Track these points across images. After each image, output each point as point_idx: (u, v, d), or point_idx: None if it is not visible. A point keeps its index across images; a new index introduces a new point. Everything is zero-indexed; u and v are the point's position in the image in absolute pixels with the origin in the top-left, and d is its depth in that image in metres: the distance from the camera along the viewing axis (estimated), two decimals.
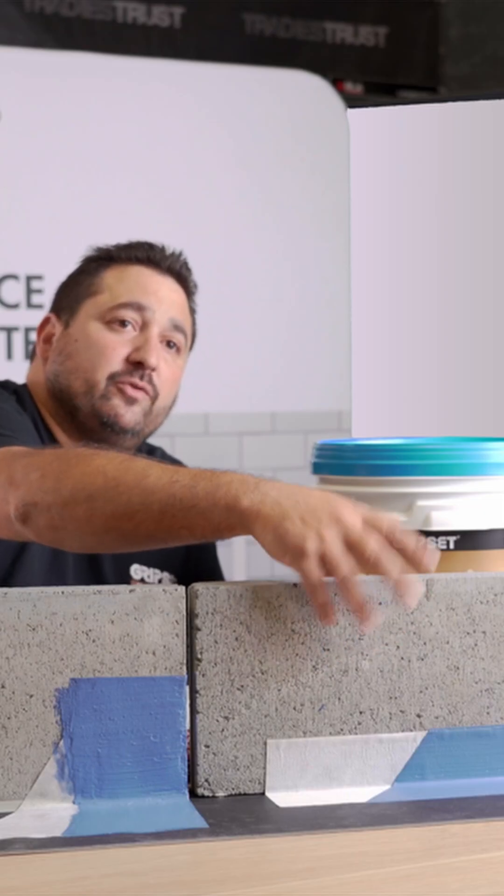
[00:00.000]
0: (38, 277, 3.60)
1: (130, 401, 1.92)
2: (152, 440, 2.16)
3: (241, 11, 4.70)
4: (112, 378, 1.92)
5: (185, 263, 2.03)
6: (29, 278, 3.62)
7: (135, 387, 1.92)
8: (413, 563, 1.27)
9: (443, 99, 4.52)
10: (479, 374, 4.04)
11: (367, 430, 3.93)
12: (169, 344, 1.97)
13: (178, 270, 2.01)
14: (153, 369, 1.92)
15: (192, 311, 2.05)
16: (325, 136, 3.99)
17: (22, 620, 1.26)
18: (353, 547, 1.26)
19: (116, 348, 1.93)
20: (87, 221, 3.57)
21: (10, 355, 3.63)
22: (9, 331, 3.64)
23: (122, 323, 1.93)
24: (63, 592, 1.25)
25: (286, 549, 1.26)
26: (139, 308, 1.94)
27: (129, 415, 1.93)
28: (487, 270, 4.02)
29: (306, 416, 3.96)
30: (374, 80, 4.90)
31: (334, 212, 3.99)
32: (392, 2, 4.90)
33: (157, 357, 1.93)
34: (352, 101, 4.19)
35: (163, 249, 2.01)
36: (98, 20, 4.52)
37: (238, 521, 1.30)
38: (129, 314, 1.94)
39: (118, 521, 1.39)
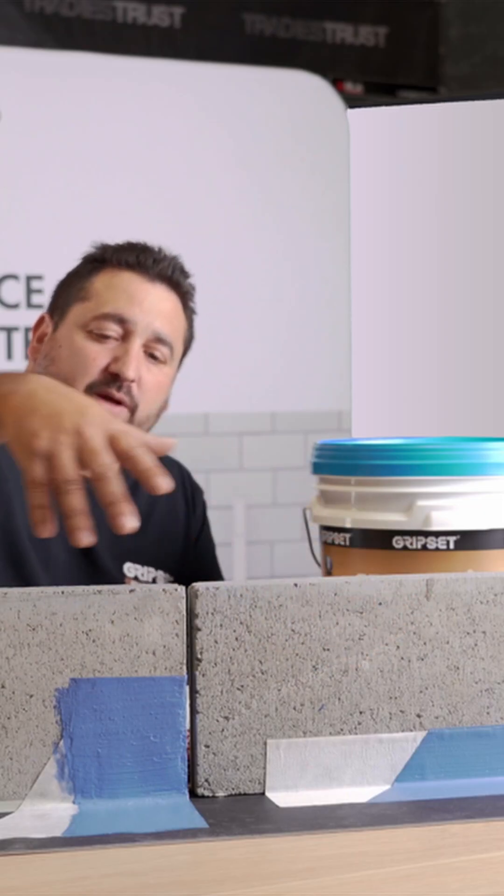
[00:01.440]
0: (38, 277, 3.60)
1: None
2: None
3: (241, 11, 4.70)
4: (90, 389, 1.91)
5: (180, 268, 2.00)
6: (29, 278, 3.62)
7: (111, 399, 1.91)
8: (142, 480, 1.24)
9: (443, 99, 4.52)
10: (479, 374, 4.04)
11: (367, 430, 3.93)
12: (152, 356, 1.95)
13: (169, 276, 1.98)
14: (131, 381, 1.91)
15: (190, 316, 2.03)
16: (325, 136, 3.99)
17: (22, 620, 1.26)
18: (82, 459, 1.24)
19: (96, 359, 1.91)
20: (87, 221, 3.58)
21: (10, 355, 3.64)
22: (9, 331, 3.65)
23: (104, 335, 1.92)
24: (63, 592, 1.25)
25: (20, 442, 1.25)
26: (121, 320, 1.92)
27: None
28: (487, 270, 4.02)
29: (306, 416, 3.96)
30: (374, 80, 4.91)
31: (334, 212, 3.99)
32: (392, 2, 4.91)
33: (137, 369, 1.91)
34: (352, 101, 4.19)
35: (157, 253, 1.99)
36: (98, 20, 4.53)
37: None
38: (110, 326, 1.92)
39: None
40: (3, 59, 3.71)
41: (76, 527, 1.23)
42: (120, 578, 1.96)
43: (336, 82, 4.59)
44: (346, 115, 4.02)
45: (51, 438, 1.24)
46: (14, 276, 3.64)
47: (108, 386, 1.91)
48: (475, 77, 4.92)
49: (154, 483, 1.23)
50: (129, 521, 1.24)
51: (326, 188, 3.99)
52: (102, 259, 1.99)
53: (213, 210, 3.87)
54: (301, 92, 4.00)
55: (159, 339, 1.95)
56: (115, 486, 1.23)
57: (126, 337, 1.93)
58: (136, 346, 1.92)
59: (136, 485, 2.04)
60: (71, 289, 1.99)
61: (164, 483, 1.24)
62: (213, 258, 3.79)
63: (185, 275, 2.02)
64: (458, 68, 4.95)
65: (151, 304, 1.95)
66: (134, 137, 3.78)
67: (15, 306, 3.64)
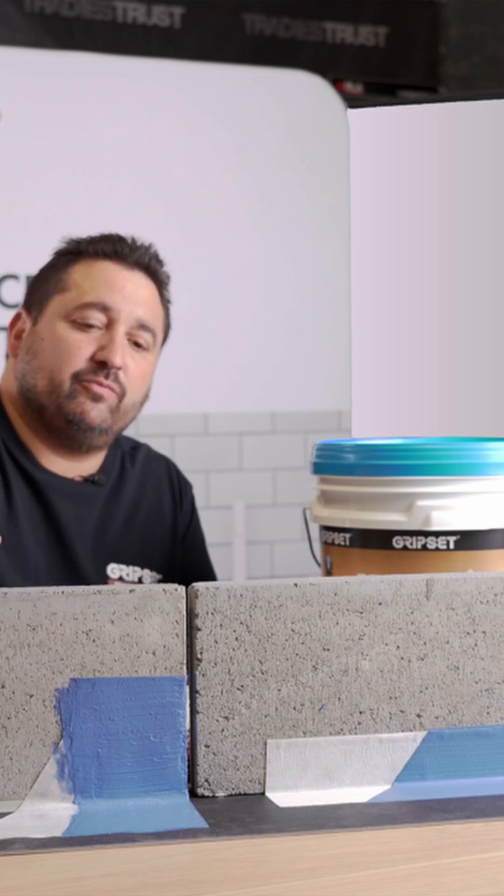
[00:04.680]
0: None
1: (97, 398, 1.92)
2: (149, 439, 2.16)
3: (241, 11, 4.70)
4: (77, 377, 1.91)
5: (155, 255, 2.01)
6: (29, 278, 3.62)
7: (100, 385, 1.92)
8: None
9: (443, 99, 4.52)
10: (479, 374, 4.04)
11: (367, 430, 3.93)
12: (136, 343, 1.96)
13: (146, 264, 1.99)
14: (118, 368, 1.92)
15: (165, 304, 2.03)
16: (325, 136, 3.99)
17: (22, 620, 1.26)
18: None
19: (82, 347, 1.92)
20: (86, 221, 3.57)
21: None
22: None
23: (88, 324, 1.93)
24: (63, 592, 1.25)
25: None
26: (104, 308, 1.93)
27: (95, 412, 1.92)
28: (487, 270, 4.02)
29: (306, 416, 3.96)
30: (374, 80, 4.91)
31: (334, 212, 3.99)
32: (392, 2, 4.90)
33: (123, 356, 1.92)
34: (352, 101, 4.19)
35: (132, 242, 1.99)
36: (98, 20, 4.53)
37: None
38: (94, 314, 1.93)
39: None
40: (3, 59, 3.71)
41: None
42: (103, 581, 1.95)
43: (336, 82, 4.59)
44: (346, 115, 4.02)
45: None
46: (14, 276, 3.64)
47: (96, 374, 1.92)
48: (475, 77, 4.92)
49: None
50: None
51: (326, 188, 3.99)
52: (77, 251, 1.99)
53: (213, 210, 3.87)
54: (301, 92, 4.00)
55: (142, 326, 1.96)
56: None
57: (110, 325, 1.93)
58: (121, 333, 1.93)
59: (119, 483, 2.04)
60: (48, 283, 1.99)
61: None
62: (212, 258, 3.79)
63: (161, 263, 2.02)
64: (458, 68, 4.95)
65: (131, 291, 1.96)
66: (134, 137, 3.78)
67: (15, 306, 3.64)
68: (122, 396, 1.93)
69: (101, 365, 1.91)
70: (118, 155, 3.76)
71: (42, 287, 2.00)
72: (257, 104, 3.94)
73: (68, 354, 1.92)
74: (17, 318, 2.03)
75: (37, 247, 3.66)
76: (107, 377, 1.91)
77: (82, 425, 1.92)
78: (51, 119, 3.69)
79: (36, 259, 3.79)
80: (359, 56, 4.88)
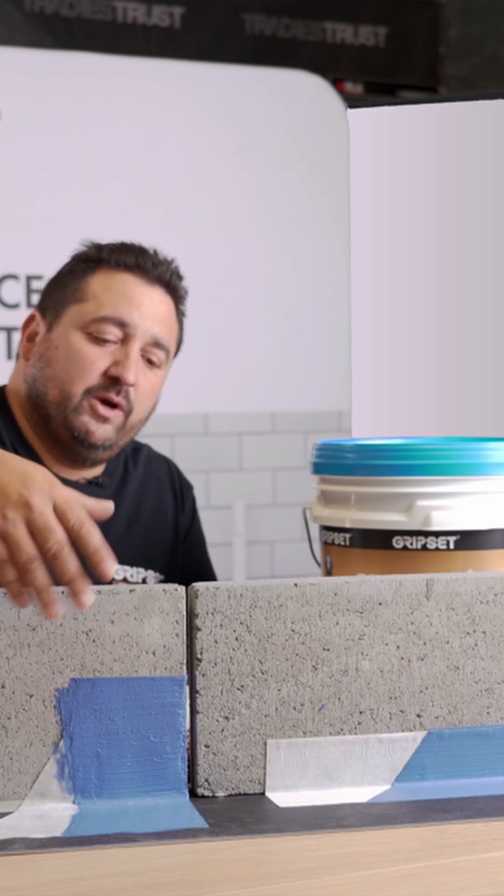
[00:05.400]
0: (38, 277, 3.60)
1: (102, 419, 1.91)
2: (149, 439, 2.16)
3: (241, 11, 4.70)
4: (88, 392, 1.90)
5: (176, 271, 1.99)
6: (29, 278, 3.62)
7: (110, 403, 1.91)
8: (91, 563, 1.23)
9: (443, 99, 4.52)
10: (479, 374, 4.04)
11: (367, 430, 3.93)
12: (149, 360, 1.95)
13: (167, 280, 1.97)
14: (131, 386, 1.91)
15: (181, 319, 2.02)
16: (325, 136, 3.99)
17: (22, 620, 1.26)
18: (34, 535, 1.22)
19: (96, 362, 1.90)
20: (86, 221, 3.57)
21: (10, 355, 3.64)
22: (9, 331, 3.64)
23: (104, 338, 1.92)
24: (63, 592, 1.25)
25: None
26: (121, 323, 1.91)
27: (101, 431, 1.91)
28: (487, 270, 4.02)
29: (306, 416, 3.96)
30: (374, 80, 4.91)
31: (334, 212, 3.99)
32: (392, 2, 4.91)
33: (136, 373, 1.91)
34: (352, 101, 4.19)
35: (153, 255, 1.97)
36: (98, 20, 4.53)
37: None
38: (111, 329, 1.91)
39: None
40: (3, 59, 3.71)
41: (46, 602, 1.22)
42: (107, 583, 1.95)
43: (336, 82, 4.59)
44: (346, 115, 4.02)
45: (0, 517, 1.22)
46: (14, 276, 3.64)
47: (107, 390, 1.91)
48: (475, 77, 4.92)
49: (102, 568, 1.22)
50: (89, 597, 1.23)
51: (326, 188, 3.99)
52: (98, 259, 1.97)
53: (213, 210, 3.87)
54: (301, 92, 4.00)
55: (157, 344, 1.95)
56: (71, 563, 1.22)
57: (125, 340, 1.92)
58: (136, 350, 1.92)
59: (122, 484, 2.04)
60: (66, 289, 1.97)
61: (110, 567, 1.23)
62: (212, 258, 3.80)
63: (180, 278, 2.00)
64: (458, 68, 4.95)
65: (150, 308, 1.94)
66: (134, 137, 3.78)
67: (15, 306, 3.64)
68: (129, 414, 1.93)
69: (113, 381, 1.90)
70: (118, 155, 3.76)
71: (59, 292, 1.98)
72: (257, 104, 3.94)
73: (82, 368, 1.91)
74: (30, 319, 2.01)
75: (37, 247, 3.68)
76: (118, 393, 1.90)
77: (86, 443, 1.91)
78: (51, 119, 3.69)
79: (36, 259, 3.78)
80: (359, 56, 4.89)
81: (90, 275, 1.96)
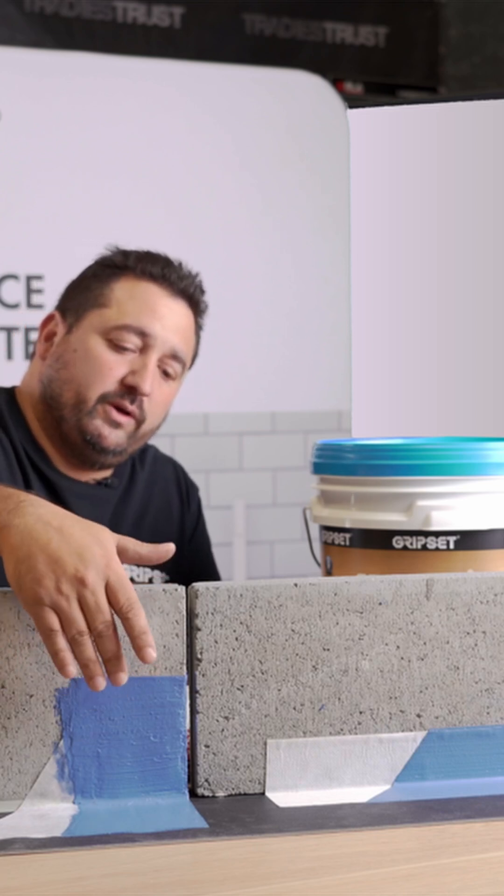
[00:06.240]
0: (38, 277, 3.60)
1: (115, 424, 1.91)
2: (150, 439, 2.16)
3: (241, 11, 4.70)
4: (103, 398, 1.90)
5: (200, 285, 1.99)
6: (29, 278, 3.62)
7: (123, 410, 1.91)
8: (135, 647, 1.24)
9: (443, 99, 4.52)
10: (479, 374, 4.04)
11: (367, 430, 3.92)
12: (164, 371, 1.95)
13: (191, 293, 1.97)
14: (146, 395, 1.91)
15: (199, 332, 2.02)
16: (325, 136, 3.99)
17: (22, 620, 1.26)
18: (84, 611, 1.24)
19: (113, 368, 1.90)
20: (86, 221, 3.57)
21: (10, 355, 3.63)
22: (9, 331, 3.64)
23: (123, 346, 1.92)
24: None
25: (22, 588, 1.24)
26: (142, 333, 1.91)
27: (113, 437, 1.91)
28: (487, 270, 4.02)
29: (306, 416, 3.96)
30: (374, 80, 4.91)
31: (334, 212, 3.99)
32: (392, 2, 4.91)
33: (152, 384, 1.91)
34: (352, 101, 4.19)
35: (179, 268, 1.97)
36: (98, 20, 4.53)
37: None
38: (131, 337, 1.91)
39: None
40: (3, 59, 3.71)
41: (92, 674, 1.24)
42: None
43: (336, 82, 4.59)
44: (346, 115, 4.02)
45: (55, 589, 1.23)
46: (14, 276, 3.63)
47: (122, 397, 1.91)
48: (475, 77, 4.92)
49: (144, 653, 1.24)
50: (123, 679, 1.25)
51: (326, 188, 3.99)
52: (124, 266, 1.96)
53: (213, 210, 3.87)
54: (301, 92, 4.00)
55: (174, 356, 1.95)
56: (113, 644, 1.24)
57: (144, 350, 1.92)
58: (154, 360, 1.92)
59: (130, 484, 2.04)
60: (88, 293, 1.96)
61: (152, 654, 1.24)
62: (212, 258, 3.79)
63: (203, 292, 2.00)
64: (458, 68, 4.95)
65: (171, 319, 1.94)
66: (134, 137, 3.78)
67: (15, 306, 3.63)
68: (141, 423, 1.93)
69: (129, 389, 1.91)
70: (118, 155, 3.75)
71: (82, 295, 1.97)
72: (257, 104, 3.93)
73: (100, 374, 1.91)
74: (49, 319, 2.00)
75: (37, 247, 3.68)
76: (132, 402, 1.91)
77: (97, 447, 1.92)
78: (51, 119, 3.69)
79: (36, 259, 3.78)
80: (359, 56, 4.88)
81: (114, 281, 1.95)
